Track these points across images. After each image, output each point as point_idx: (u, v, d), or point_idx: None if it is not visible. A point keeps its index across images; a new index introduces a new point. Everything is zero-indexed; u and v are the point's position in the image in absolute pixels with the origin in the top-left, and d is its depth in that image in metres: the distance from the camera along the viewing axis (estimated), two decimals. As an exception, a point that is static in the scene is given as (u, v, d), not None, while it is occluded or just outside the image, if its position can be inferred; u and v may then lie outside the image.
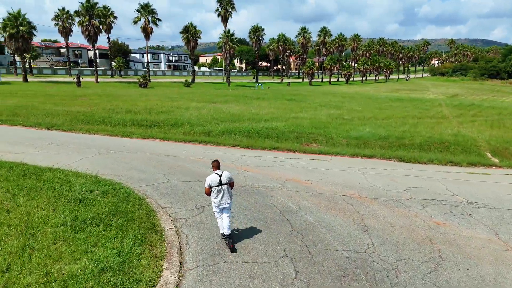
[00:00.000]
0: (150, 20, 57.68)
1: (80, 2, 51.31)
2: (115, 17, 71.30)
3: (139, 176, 11.24)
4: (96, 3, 52.76)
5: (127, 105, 29.08)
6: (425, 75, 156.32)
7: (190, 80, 64.24)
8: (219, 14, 67.56)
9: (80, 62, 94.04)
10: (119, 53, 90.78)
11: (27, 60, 67.99)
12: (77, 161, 12.55)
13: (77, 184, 9.59)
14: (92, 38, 51.20)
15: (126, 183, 10.47)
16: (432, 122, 28.18)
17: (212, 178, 6.94)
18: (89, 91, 39.18)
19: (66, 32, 65.90)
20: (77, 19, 54.31)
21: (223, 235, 7.17)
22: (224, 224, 7.07)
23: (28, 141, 15.12)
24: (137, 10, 57.68)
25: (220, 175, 6.98)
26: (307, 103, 38.52)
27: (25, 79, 46.19)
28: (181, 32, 63.23)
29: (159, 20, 58.82)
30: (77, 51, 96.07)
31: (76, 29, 66.92)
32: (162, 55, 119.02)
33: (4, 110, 23.08)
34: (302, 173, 12.67)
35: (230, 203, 7.12)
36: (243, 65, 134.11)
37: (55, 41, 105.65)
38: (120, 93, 39.68)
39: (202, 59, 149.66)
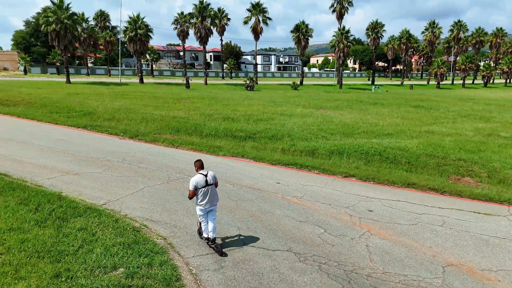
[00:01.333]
0: (261, 20, 55.65)
1: (194, 4, 51.97)
2: (228, 19, 71.71)
3: (202, 232, 7.41)
4: (209, 4, 52.84)
5: (227, 110, 26.40)
6: None
7: (298, 82, 60.39)
8: (334, 11, 62.25)
9: (196, 64, 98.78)
10: (231, 55, 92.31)
11: (149, 63, 73.09)
12: (134, 192, 9.41)
13: (102, 249, 6.16)
14: (203, 39, 51.36)
15: (179, 246, 6.74)
16: None
17: (197, 179, 6.47)
18: (195, 94, 38.32)
19: (183, 35, 68.53)
20: (191, 21, 55.32)
21: (207, 239, 6.65)
22: (209, 227, 6.60)
23: (98, 156, 12.81)
24: (248, 10, 56.26)
25: (206, 175, 6.53)
26: (441, 111, 30.85)
27: (141, 81, 48.39)
28: (291, 31, 59.83)
29: (270, 19, 56.43)
30: (194, 53, 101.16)
31: (193, 34, 69.02)
32: (272, 56, 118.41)
33: (104, 113, 22.31)
34: (470, 247, 7.31)
35: (216, 205, 6.70)
36: (356, 66, 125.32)
37: (178, 45, 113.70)
38: (224, 96, 37.88)
39: (313, 60, 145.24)
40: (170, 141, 15.73)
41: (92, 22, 74.63)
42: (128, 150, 13.99)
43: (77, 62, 78.85)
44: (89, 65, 76.29)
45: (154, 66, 78.88)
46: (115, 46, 74.33)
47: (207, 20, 51.41)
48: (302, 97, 40.52)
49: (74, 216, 7.40)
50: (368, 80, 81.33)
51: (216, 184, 6.69)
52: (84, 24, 62.57)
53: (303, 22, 59.51)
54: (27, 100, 25.89)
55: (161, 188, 9.88)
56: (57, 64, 62.72)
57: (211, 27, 53.21)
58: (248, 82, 49.44)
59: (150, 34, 46.97)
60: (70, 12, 40.17)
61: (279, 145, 16.86)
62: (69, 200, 8.24)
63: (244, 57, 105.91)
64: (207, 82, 54.81)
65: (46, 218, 7.19)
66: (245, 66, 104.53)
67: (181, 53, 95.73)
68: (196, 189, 6.43)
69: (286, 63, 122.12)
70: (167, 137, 16.53)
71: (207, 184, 6.46)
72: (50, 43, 42.28)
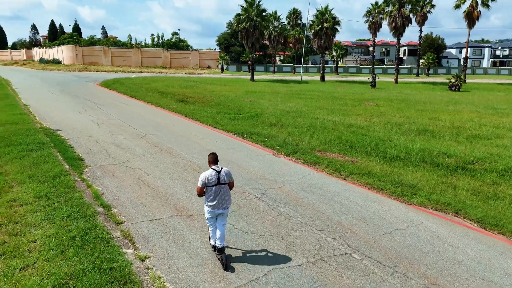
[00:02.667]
0: (479, 1, 43.56)
1: (392, -10, 44.72)
2: (432, 6, 60.83)
3: None
4: (411, -13, 44.56)
5: (423, 119, 19.73)
6: None
7: (528, 81, 44.91)
8: None
9: (386, 60, 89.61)
10: (431, 49, 79.15)
11: (335, 59, 69.57)
12: (252, 282, 5.28)
13: None
14: (398, 30, 43.73)
15: None
16: None
17: (208, 175, 5.57)
18: (381, 94, 32.11)
19: (375, 28, 62.01)
20: (386, 10, 48.33)
21: (214, 247, 5.81)
22: (217, 234, 5.70)
23: (235, 183, 9.38)
24: (463, -9, 44.87)
25: (219, 172, 5.63)
26: None
27: (322, 78, 44.99)
28: (524, 14, 44.72)
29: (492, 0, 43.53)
30: (385, 48, 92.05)
31: (386, 24, 60.39)
32: (486, 49, 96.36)
33: (271, 116, 19.48)
34: None
35: (228, 208, 5.80)
36: None
37: (367, 40, 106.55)
38: (419, 97, 30.28)
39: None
40: (336, 165, 11.05)
41: (285, 21, 76.54)
42: (277, 175, 10.11)
43: (267, 60, 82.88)
44: (278, 63, 78.87)
45: (339, 62, 74.97)
46: (304, 43, 74.05)
47: (406, 7, 43.48)
48: (540, 103, 28.54)
49: None
50: None
51: (230, 184, 5.76)
52: (275, 22, 64.05)
53: (545, 0, 43.49)
54: (206, 98, 25.90)
55: (300, 279, 5.41)
56: (249, 62, 66.57)
57: (410, 15, 44.86)
58: (453, 80, 39.29)
59: (337, 27, 42.89)
60: (260, 9, 40.18)
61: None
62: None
63: (446, 50, 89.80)
64: (398, 80, 46.96)
65: None
66: (447, 61, 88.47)
67: (370, 48, 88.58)
68: (205, 186, 5.55)
69: (504, 56, 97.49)
70: (334, 158, 11.91)
71: (219, 182, 5.55)
72: (240, 41, 43.77)
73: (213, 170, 5.62)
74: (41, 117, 16.51)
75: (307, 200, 8.48)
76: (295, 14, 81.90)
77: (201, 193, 5.65)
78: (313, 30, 42.38)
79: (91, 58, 70.31)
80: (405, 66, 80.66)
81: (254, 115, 19.89)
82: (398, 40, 46.98)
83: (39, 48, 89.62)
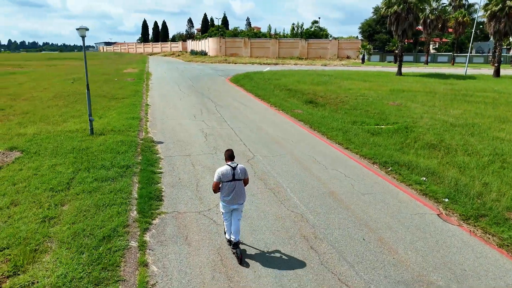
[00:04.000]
0: None
1: None
2: None
3: None
4: None
5: None
6: None
7: None
8: None
9: None
10: None
11: (510, 47, 55.13)
12: None
13: None
14: None
15: None
16: None
17: (223, 171, 5.70)
18: None
19: None
20: None
21: (229, 241, 5.98)
22: (232, 229, 5.88)
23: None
24: None
25: (234, 168, 5.72)
26: None
27: (496, 73, 34.71)
28: None
29: None
30: None
31: None
32: None
33: (427, 132, 14.17)
34: None
35: (242, 204, 5.91)
36: None
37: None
38: None
39: None
40: None
41: (445, 1, 64.45)
42: (452, 277, 5.59)
43: (418, 48, 71.89)
44: (431, 51, 67.37)
45: (517, 50, 59.32)
46: (467, 28, 60.99)
47: None
48: None
49: None
50: None
51: (245, 181, 5.87)
52: (434, 4, 53.94)
53: None
54: (340, 98, 21.68)
55: None
56: (396, 51, 58.16)
57: None
58: None
59: (526, 4, 32.17)
60: (417, -12, 33.02)
61: None
62: None
63: None
64: None
65: None
66: None
67: None
68: (220, 181, 5.72)
69: None
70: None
71: (234, 178, 5.70)
72: (388, 28, 37.28)
73: (228, 166, 5.71)
74: (153, 122, 15.19)
75: None
76: (460, -7, 68.24)
77: (216, 188, 5.78)
78: (488, 11, 32.73)
79: (232, 50, 72.58)
80: None
81: (403, 128, 14.88)
82: None
83: (191, 41, 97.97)
